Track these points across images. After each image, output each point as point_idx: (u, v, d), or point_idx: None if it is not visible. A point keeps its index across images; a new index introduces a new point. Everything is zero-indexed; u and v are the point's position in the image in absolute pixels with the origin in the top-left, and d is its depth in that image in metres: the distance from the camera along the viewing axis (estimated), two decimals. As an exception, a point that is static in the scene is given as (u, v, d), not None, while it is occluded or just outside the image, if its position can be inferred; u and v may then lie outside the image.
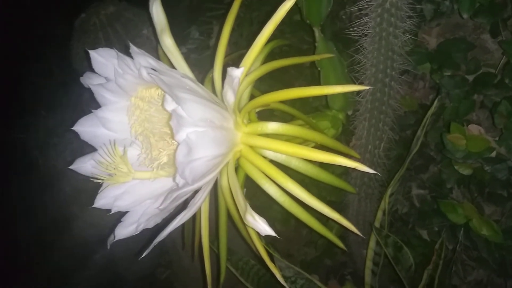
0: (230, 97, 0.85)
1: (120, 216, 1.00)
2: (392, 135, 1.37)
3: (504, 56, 1.23)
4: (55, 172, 2.28)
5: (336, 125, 1.37)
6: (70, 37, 1.84)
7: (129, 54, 0.92)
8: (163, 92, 0.96)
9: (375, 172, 0.86)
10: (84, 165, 1.06)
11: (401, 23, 1.15)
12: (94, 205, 1.01)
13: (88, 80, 1.09)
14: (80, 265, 2.43)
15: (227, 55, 1.25)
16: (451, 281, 1.53)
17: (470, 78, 1.37)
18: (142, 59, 0.87)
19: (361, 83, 1.30)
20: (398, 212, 1.76)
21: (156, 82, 0.86)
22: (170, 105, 0.84)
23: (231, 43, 2.01)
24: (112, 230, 0.99)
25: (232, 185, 0.94)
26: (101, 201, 1.01)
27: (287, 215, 1.68)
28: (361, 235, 0.98)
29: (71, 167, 1.07)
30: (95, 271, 2.46)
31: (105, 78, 1.01)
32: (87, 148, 2.00)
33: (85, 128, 1.06)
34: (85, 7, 1.83)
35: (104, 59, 0.97)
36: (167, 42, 1.05)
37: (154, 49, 1.86)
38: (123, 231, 0.95)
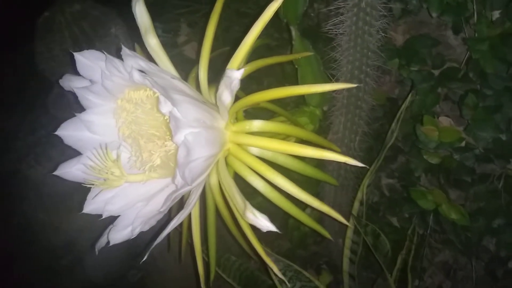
0: (226, 97, 0.86)
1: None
2: (366, 129, 1.43)
3: (468, 52, 1.32)
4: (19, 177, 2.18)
5: (314, 120, 1.42)
6: (33, 37, 1.77)
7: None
8: (152, 94, 0.96)
9: (363, 165, 0.90)
10: (70, 170, 1.03)
11: (375, 22, 1.21)
12: (84, 211, 1.00)
13: (69, 83, 1.06)
14: (46, 269, 2.35)
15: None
16: (421, 264, 1.63)
17: (436, 72, 1.45)
18: (133, 61, 0.86)
19: (337, 80, 1.35)
20: (368, 201, 1.84)
21: (149, 84, 0.86)
22: (166, 107, 0.84)
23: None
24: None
25: (226, 184, 0.95)
26: (91, 206, 1.00)
27: (264, 210, 1.71)
28: (345, 221, 1.01)
29: (55, 172, 1.04)
30: (64, 276, 2.38)
31: (90, 80, 0.99)
32: (54, 152, 1.93)
33: (69, 132, 1.04)
34: (49, 4, 1.76)
35: (89, 61, 0.95)
36: (152, 42, 1.04)
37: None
38: (117, 235, 0.94)
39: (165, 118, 0.99)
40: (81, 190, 1.03)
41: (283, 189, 0.98)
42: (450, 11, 1.24)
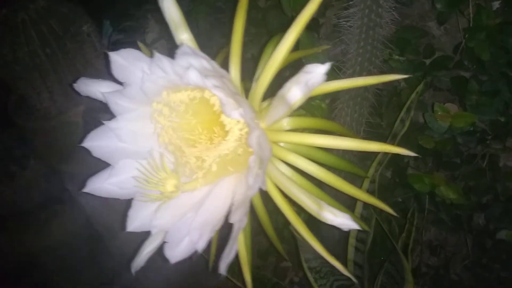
0: (297, 94, 0.81)
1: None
2: (370, 119, 1.47)
3: (463, 41, 1.40)
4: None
5: (321, 114, 1.42)
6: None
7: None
8: (197, 95, 0.88)
9: (415, 155, 0.91)
10: (102, 185, 0.92)
11: (385, 13, 1.23)
12: (128, 230, 0.90)
13: (87, 87, 0.95)
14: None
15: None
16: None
17: (427, 61, 1.53)
18: (194, 60, 0.78)
19: (344, 72, 1.36)
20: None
21: (210, 86, 0.79)
22: (233, 110, 0.78)
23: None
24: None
25: (285, 186, 0.91)
26: (135, 224, 0.90)
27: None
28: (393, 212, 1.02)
29: (85, 190, 0.92)
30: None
31: (123, 83, 0.89)
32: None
33: (97, 142, 0.92)
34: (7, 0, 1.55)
35: (126, 62, 0.85)
36: (184, 37, 0.95)
37: (95, 47, 1.68)
38: (176, 252, 0.85)
39: (196, 120, 0.93)
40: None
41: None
42: (452, 3, 1.30)
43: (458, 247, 1.83)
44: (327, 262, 1.14)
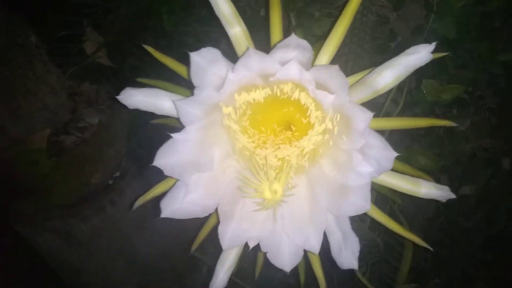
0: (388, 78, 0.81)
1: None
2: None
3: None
4: None
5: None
6: None
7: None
8: (268, 92, 0.83)
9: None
10: (181, 206, 0.81)
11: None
12: (223, 247, 0.81)
13: (132, 98, 0.83)
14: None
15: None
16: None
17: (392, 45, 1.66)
18: (299, 53, 0.73)
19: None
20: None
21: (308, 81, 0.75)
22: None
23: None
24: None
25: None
26: (227, 238, 0.82)
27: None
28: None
29: (164, 215, 0.80)
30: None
31: (196, 88, 0.79)
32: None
33: (168, 159, 0.80)
34: None
35: (205, 63, 0.76)
36: (237, 30, 0.88)
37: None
38: (282, 259, 0.80)
39: (269, 119, 0.89)
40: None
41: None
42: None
43: (426, 207, 2.03)
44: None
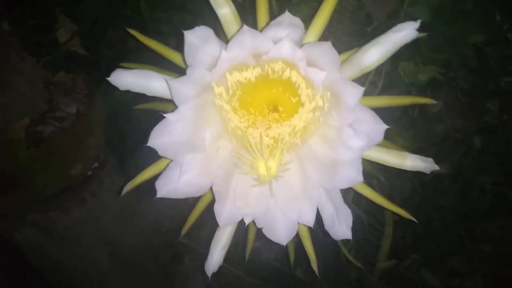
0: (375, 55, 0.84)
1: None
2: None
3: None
4: None
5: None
6: None
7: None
8: (259, 71, 0.84)
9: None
10: (176, 186, 0.82)
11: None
12: (220, 225, 0.82)
13: (122, 79, 0.82)
14: None
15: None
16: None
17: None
18: (288, 31, 0.75)
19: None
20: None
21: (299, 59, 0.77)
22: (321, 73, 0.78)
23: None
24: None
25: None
26: (224, 217, 0.83)
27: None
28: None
29: (160, 195, 0.80)
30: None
31: (188, 67, 0.79)
32: None
33: (161, 139, 0.80)
34: None
35: (199, 41, 0.76)
36: (225, 11, 0.88)
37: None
38: (278, 233, 0.82)
39: (259, 99, 0.90)
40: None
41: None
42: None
43: (402, 187, 2.10)
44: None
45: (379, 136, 0.77)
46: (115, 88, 1.86)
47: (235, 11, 0.89)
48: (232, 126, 0.86)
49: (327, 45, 0.74)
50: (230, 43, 0.77)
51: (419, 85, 1.52)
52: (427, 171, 0.89)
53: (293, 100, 0.88)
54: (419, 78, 1.48)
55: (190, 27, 1.75)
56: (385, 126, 0.77)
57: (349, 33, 1.59)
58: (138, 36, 1.00)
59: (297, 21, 0.75)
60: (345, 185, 0.81)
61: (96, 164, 1.76)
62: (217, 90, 0.83)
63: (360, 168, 0.79)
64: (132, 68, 0.85)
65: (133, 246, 2.02)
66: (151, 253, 2.13)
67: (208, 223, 0.90)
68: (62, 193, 1.63)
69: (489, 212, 1.99)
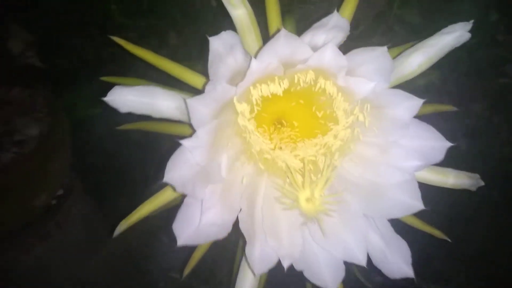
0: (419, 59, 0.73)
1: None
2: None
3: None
4: None
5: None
6: None
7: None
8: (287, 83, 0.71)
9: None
10: (199, 229, 0.66)
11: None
12: (255, 272, 0.67)
13: (122, 99, 0.66)
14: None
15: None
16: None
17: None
18: (331, 34, 0.62)
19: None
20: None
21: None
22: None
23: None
24: None
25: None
26: (257, 261, 0.69)
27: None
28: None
29: (181, 243, 0.64)
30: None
31: (209, 81, 0.64)
32: None
33: (178, 172, 0.65)
34: None
35: (224, 50, 0.62)
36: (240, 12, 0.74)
37: None
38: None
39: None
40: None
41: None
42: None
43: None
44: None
45: (439, 155, 0.67)
46: (77, 103, 1.61)
47: (252, 12, 0.76)
48: (257, 149, 0.72)
49: (381, 51, 0.63)
50: (262, 51, 0.63)
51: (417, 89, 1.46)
52: (473, 188, 0.80)
53: (318, 114, 0.76)
54: (417, 83, 1.41)
55: (161, 33, 1.58)
56: (448, 144, 0.67)
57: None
58: (125, 45, 0.84)
59: (343, 23, 0.63)
60: (398, 213, 0.69)
61: (60, 191, 1.54)
62: (239, 107, 0.69)
63: (417, 192, 0.68)
64: (133, 85, 0.69)
65: (104, 279, 1.81)
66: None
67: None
68: (23, 229, 1.40)
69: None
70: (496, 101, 1.69)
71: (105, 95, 0.65)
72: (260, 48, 0.78)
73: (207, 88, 0.64)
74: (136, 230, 1.08)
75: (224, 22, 1.48)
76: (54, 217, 1.52)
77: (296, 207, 0.66)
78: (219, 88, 0.64)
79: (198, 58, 1.52)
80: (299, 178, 0.70)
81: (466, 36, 0.69)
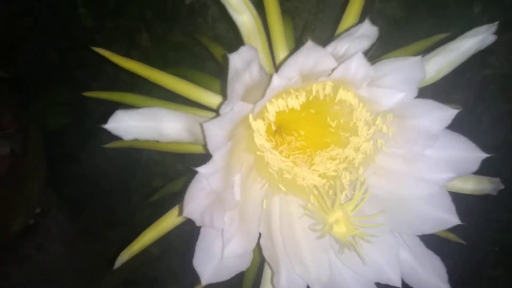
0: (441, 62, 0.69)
1: None
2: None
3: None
4: None
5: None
6: None
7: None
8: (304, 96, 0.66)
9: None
10: (222, 264, 0.60)
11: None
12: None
13: (126, 125, 0.59)
14: None
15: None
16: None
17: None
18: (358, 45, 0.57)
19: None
20: None
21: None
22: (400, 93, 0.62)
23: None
24: None
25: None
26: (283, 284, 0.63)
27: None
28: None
29: (206, 281, 0.58)
30: None
31: (225, 101, 0.58)
32: None
33: (199, 201, 0.58)
34: None
35: (242, 66, 0.55)
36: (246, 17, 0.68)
37: None
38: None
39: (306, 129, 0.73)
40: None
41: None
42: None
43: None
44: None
45: (474, 166, 0.63)
46: (47, 110, 1.47)
47: (258, 16, 0.69)
48: (275, 168, 0.67)
49: (415, 61, 0.58)
50: (284, 65, 0.57)
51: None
52: (494, 193, 0.77)
53: (332, 124, 0.71)
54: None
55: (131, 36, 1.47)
56: (484, 155, 0.63)
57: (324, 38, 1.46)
58: (110, 57, 0.75)
59: (373, 31, 0.58)
60: (430, 229, 0.66)
61: (38, 209, 1.43)
62: (255, 125, 0.63)
63: (449, 205, 0.64)
64: (136, 107, 0.61)
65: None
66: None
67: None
68: (1, 254, 1.29)
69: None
70: (480, 91, 1.69)
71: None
72: (266, 57, 0.73)
73: (224, 109, 0.58)
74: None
75: (198, 19, 1.39)
76: (34, 238, 1.41)
77: (328, 232, 0.60)
78: (235, 108, 0.57)
79: (175, 63, 1.43)
80: (324, 197, 0.65)
81: (491, 38, 0.66)
